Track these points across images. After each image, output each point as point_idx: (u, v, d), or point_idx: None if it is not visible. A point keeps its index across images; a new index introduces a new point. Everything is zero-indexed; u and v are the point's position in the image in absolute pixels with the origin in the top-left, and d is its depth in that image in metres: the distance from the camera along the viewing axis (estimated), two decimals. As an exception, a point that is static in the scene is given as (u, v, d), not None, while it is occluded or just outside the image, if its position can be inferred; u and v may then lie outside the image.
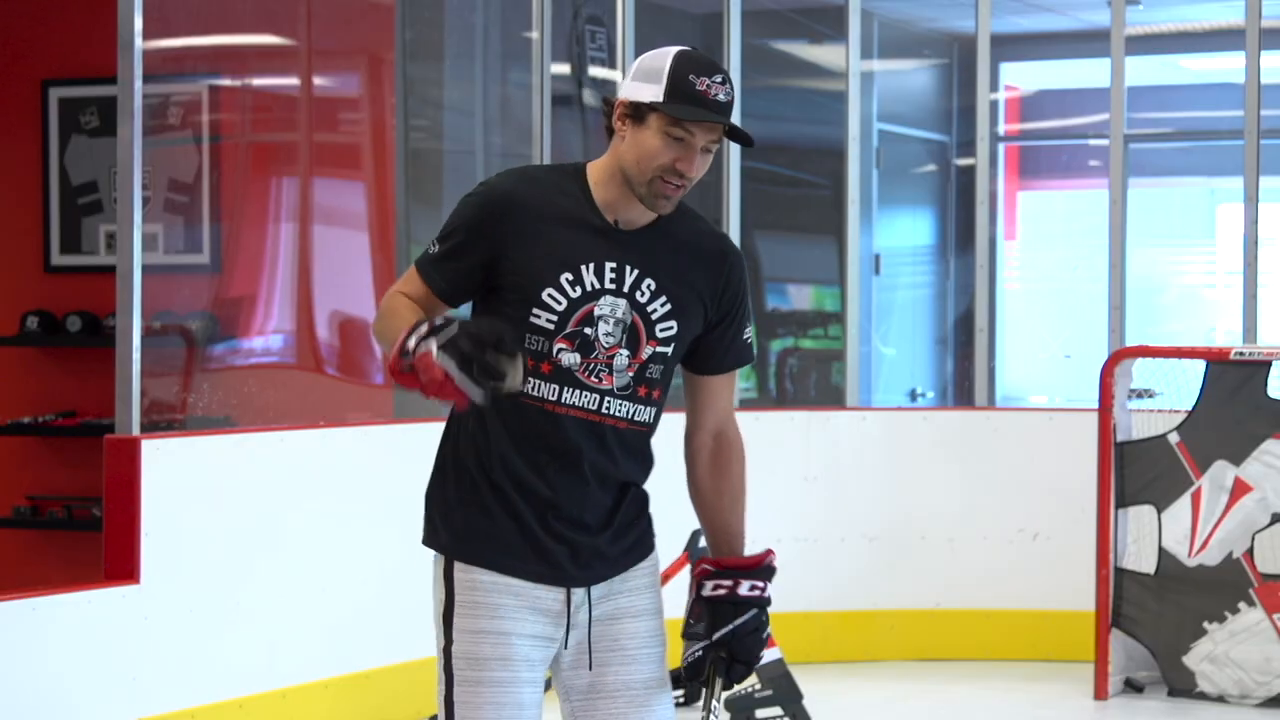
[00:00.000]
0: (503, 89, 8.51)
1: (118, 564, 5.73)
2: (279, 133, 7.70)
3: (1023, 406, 9.92)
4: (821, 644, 8.06)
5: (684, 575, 5.98)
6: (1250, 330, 8.11)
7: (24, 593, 5.47)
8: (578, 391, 3.25)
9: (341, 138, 7.94)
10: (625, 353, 3.27)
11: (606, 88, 8.36)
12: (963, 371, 9.74)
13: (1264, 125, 8.17)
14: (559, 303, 3.23)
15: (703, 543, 3.55)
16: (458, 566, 3.28)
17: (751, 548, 3.45)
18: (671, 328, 3.30)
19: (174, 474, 5.88)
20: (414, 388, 3.04)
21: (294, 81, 7.73)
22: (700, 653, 3.33)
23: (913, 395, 10.10)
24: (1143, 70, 9.50)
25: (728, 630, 3.33)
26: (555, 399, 3.25)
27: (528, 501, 3.26)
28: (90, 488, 7.58)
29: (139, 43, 5.84)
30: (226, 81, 7.49)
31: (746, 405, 8.97)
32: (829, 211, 9.24)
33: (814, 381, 9.84)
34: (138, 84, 5.84)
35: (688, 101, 3.18)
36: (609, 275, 3.26)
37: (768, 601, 3.37)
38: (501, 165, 8.23)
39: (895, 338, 10.25)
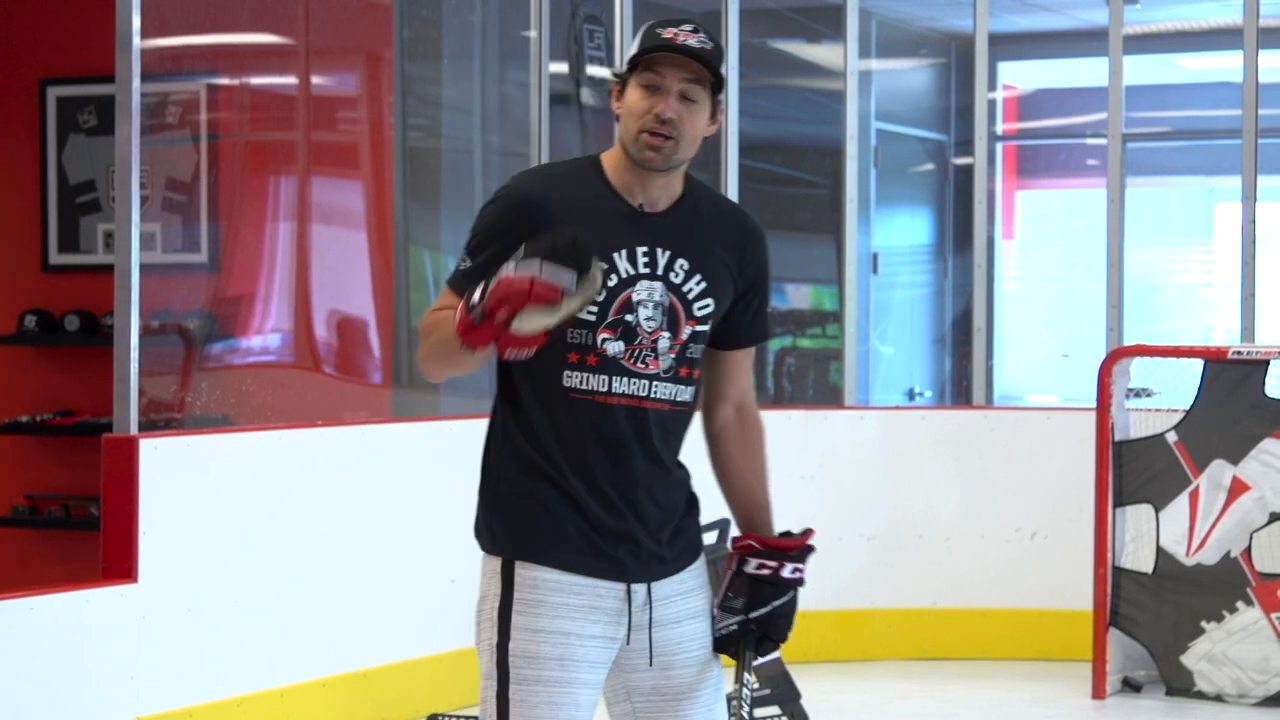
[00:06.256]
0: (501, 88, 8.51)
1: (116, 563, 5.72)
2: (277, 132, 7.69)
3: (1021, 405, 9.92)
4: (819, 643, 8.06)
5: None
6: (1248, 329, 8.11)
7: (22, 592, 5.47)
8: (626, 379, 3.25)
9: (340, 137, 7.94)
10: (667, 335, 3.27)
11: (604, 87, 8.35)
12: (961, 370, 9.74)
13: (1262, 124, 8.17)
14: (598, 293, 3.20)
15: (734, 530, 3.52)
16: (519, 564, 3.24)
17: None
18: (708, 305, 3.30)
19: (172, 473, 5.88)
20: (487, 340, 3.04)
21: (292, 80, 7.73)
22: (735, 627, 3.37)
23: (911, 394, 10.10)
24: (1141, 69, 9.50)
25: (766, 610, 3.37)
26: (606, 389, 3.24)
27: (587, 497, 3.24)
28: (88, 487, 7.58)
29: (137, 42, 5.84)
30: (224, 80, 7.48)
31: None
32: (827, 210, 9.24)
33: (812, 380, 9.83)
34: (136, 83, 5.84)
35: (653, 48, 3.23)
36: (641, 260, 3.26)
37: (803, 582, 3.41)
38: (500, 164, 8.23)
39: (893, 337, 10.25)
